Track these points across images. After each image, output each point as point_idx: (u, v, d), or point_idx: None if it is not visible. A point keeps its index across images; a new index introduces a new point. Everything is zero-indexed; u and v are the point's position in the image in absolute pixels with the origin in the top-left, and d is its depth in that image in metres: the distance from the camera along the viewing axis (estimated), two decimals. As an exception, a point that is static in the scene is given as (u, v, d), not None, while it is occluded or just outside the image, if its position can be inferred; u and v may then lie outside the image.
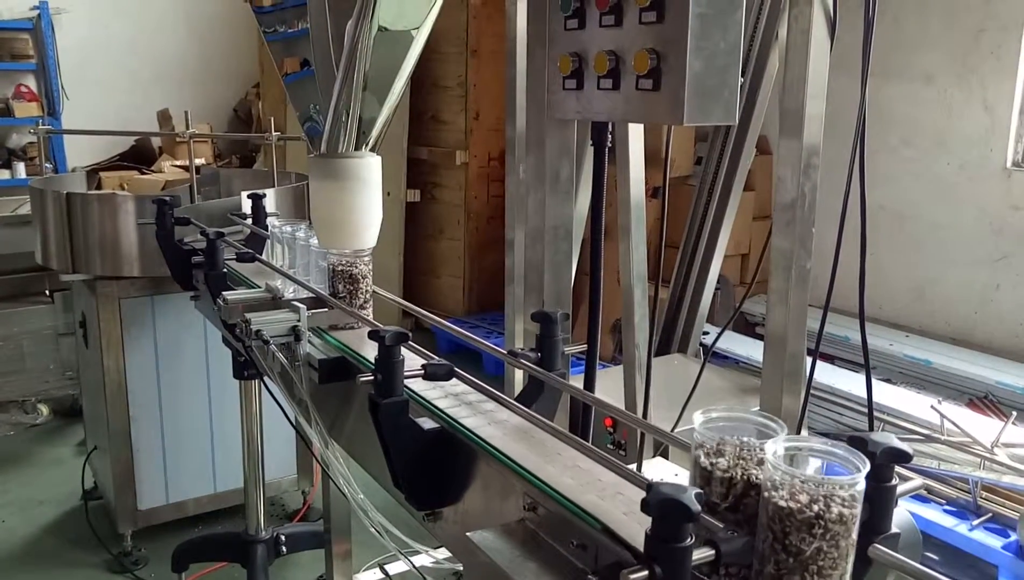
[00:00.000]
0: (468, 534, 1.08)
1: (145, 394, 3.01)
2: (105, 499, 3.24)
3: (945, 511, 2.98)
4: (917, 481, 0.97)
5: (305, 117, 2.17)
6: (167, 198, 2.55)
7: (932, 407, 3.24)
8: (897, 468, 1.02)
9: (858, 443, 0.89)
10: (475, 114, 5.54)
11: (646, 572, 0.76)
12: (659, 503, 0.75)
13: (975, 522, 2.87)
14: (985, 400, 3.61)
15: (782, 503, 0.80)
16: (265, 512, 2.72)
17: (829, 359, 4.13)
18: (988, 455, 2.97)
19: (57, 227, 2.95)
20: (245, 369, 2.49)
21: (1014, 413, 3.20)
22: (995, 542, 2.78)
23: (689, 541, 0.76)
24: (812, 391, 3.75)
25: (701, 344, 3.53)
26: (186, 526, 3.15)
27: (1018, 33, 3.86)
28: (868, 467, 0.84)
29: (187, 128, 3.27)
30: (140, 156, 7.52)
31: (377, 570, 2.71)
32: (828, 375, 3.64)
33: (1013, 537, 2.75)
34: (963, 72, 4.07)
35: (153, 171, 7.25)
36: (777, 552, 0.81)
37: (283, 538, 2.71)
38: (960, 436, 3.10)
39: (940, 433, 3.17)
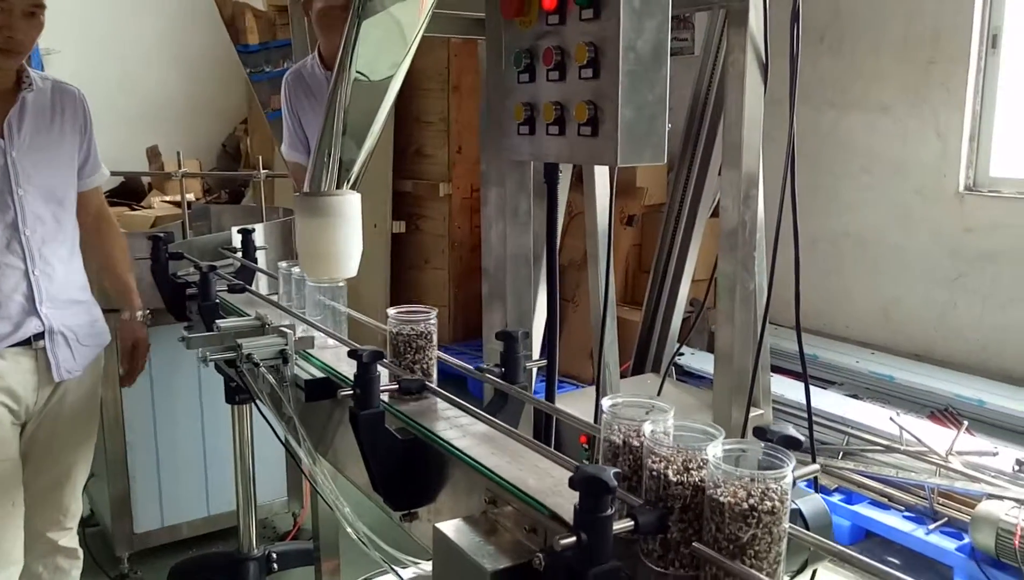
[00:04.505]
0: (436, 524, 1.23)
1: (141, 423, 3.13)
2: (101, 525, 3.35)
3: (904, 517, 3.15)
4: (814, 466, 1.14)
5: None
6: (161, 234, 2.72)
7: (891, 419, 3.42)
8: (828, 465, 1.19)
9: (759, 432, 1.06)
10: (457, 148, 5.72)
11: (574, 538, 0.91)
12: (583, 479, 0.91)
13: (931, 526, 3.03)
14: (945, 412, 3.77)
15: (721, 498, 0.94)
16: (257, 532, 2.85)
17: (797, 376, 4.29)
18: (943, 463, 3.14)
19: (56, 263, 3.09)
20: (237, 394, 2.63)
21: (965, 422, 3.37)
22: (950, 544, 2.94)
23: (610, 511, 0.92)
24: (779, 406, 3.91)
25: (673, 363, 3.69)
26: (180, 549, 3.26)
27: (965, 65, 4.09)
28: (793, 462, 0.99)
29: (179, 167, 3.44)
30: (129, 192, 7.67)
31: (364, 584, 2.83)
32: (795, 391, 3.81)
33: (966, 539, 2.91)
34: (916, 102, 4.30)
35: (143, 207, 7.40)
36: (719, 541, 0.94)
37: (275, 556, 2.83)
38: (917, 446, 3.27)
39: (899, 444, 3.34)
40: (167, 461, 3.19)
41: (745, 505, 0.93)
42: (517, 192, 1.67)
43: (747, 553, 0.93)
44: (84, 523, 3.40)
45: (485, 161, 2.27)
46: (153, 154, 7.57)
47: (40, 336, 2.18)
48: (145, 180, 7.52)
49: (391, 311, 1.57)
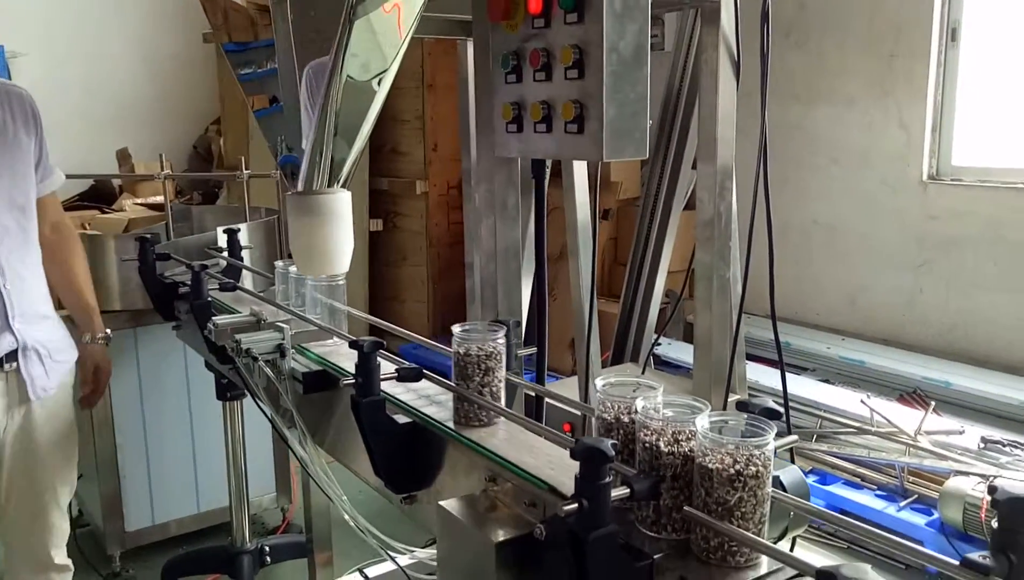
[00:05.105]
0: (440, 502, 1.30)
1: (130, 423, 3.16)
2: (92, 524, 3.37)
3: (876, 495, 3.27)
4: (792, 437, 1.23)
5: (276, 149, 2.39)
6: (148, 236, 2.75)
7: (862, 402, 3.54)
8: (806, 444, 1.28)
9: (742, 406, 1.14)
10: (433, 145, 5.78)
11: (576, 505, 0.99)
12: (584, 450, 0.99)
13: (902, 503, 3.15)
14: (914, 394, 3.91)
15: (710, 465, 1.02)
16: (249, 526, 2.90)
17: (771, 363, 4.41)
18: (912, 443, 3.27)
19: (42, 267, 3.11)
20: (228, 390, 2.68)
21: (933, 403, 3.50)
22: (920, 520, 3.06)
23: (608, 479, 1.00)
24: (754, 392, 4.03)
25: (651, 353, 3.79)
26: (171, 546, 3.30)
27: (925, 59, 4.23)
28: (775, 430, 1.07)
29: (162, 169, 3.46)
30: (100, 195, 7.60)
31: (357, 575, 2.89)
32: (769, 377, 3.92)
33: (935, 515, 3.03)
34: (880, 95, 4.43)
35: (115, 210, 7.35)
36: (709, 504, 1.02)
37: (267, 549, 2.88)
38: (887, 427, 3.40)
39: (870, 425, 3.46)
40: (156, 459, 3.23)
41: (732, 470, 1.01)
42: (505, 187, 1.74)
43: (734, 515, 1.02)
44: (75, 523, 3.44)
45: (470, 158, 2.34)
46: (123, 157, 7.51)
47: (12, 355, 2.10)
48: (116, 183, 7.48)
49: (456, 329, 1.42)
